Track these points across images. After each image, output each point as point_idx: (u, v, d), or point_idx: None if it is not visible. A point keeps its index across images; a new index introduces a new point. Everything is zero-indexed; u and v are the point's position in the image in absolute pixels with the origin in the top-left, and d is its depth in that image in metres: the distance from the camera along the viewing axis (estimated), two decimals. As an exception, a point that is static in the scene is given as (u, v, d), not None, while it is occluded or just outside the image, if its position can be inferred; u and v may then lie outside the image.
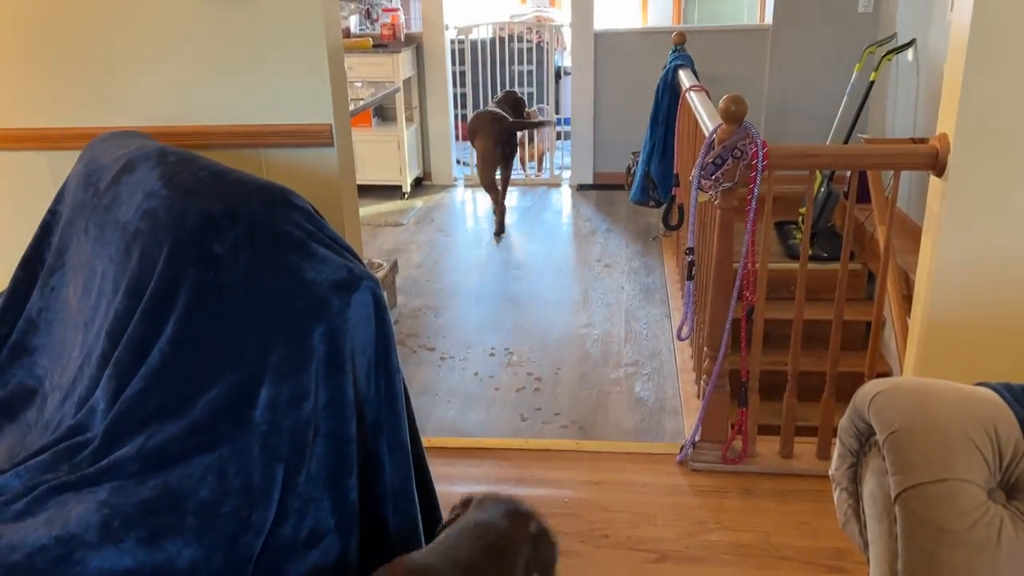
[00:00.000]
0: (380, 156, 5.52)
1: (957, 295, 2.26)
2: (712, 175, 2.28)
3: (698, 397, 2.91)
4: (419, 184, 5.94)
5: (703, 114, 2.71)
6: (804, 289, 2.40)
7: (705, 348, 2.51)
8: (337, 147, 2.35)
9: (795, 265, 4.27)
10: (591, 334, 3.53)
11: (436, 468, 2.63)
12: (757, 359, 2.46)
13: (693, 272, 2.43)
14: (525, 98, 5.31)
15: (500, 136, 4.70)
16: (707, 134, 2.40)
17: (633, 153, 4.99)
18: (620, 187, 5.66)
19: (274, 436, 1.40)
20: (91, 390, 1.52)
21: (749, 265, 2.33)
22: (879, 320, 2.41)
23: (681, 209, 3.58)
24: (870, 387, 1.24)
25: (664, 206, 4.30)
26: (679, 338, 2.53)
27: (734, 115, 2.24)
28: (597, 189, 5.72)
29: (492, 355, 3.36)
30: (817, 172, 4.96)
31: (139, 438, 1.40)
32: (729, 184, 2.28)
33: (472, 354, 3.38)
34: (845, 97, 4.94)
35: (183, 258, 1.48)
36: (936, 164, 2.18)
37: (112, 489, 1.34)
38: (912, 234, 4.13)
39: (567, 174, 5.99)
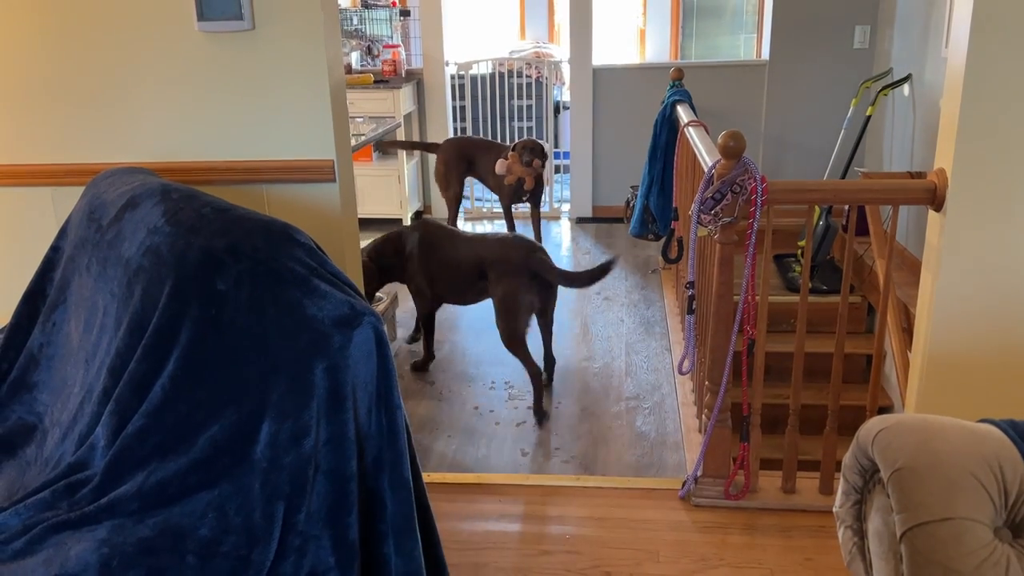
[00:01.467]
0: (381, 189, 5.55)
1: (958, 329, 2.26)
2: (711, 210, 2.29)
3: (700, 431, 2.90)
4: (419, 217, 5.95)
5: (702, 149, 2.73)
6: (805, 323, 2.40)
7: (706, 382, 2.51)
8: (339, 182, 2.36)
9: (795, 298, 4.29)
10: (591, 367, 3.52)
11: (436, 505, 2.61)
12: (759, 393, 2.46)
13: (693, 306, 2.43)
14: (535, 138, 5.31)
15: (533, 281, 3.27)
16: (706, 169, 2.42)
17: (632, 187, 5.03)
18: (619, 220, 5.68)
19: (275, 473, 1.39)
20: (91, 427, 1.52)
21: (749, 298, 2.34)
22: (880, 354, 2.41)
23: (680, 242, 3.58)
24: (873, 424, 1.24)
25: (663, 239, 4.32)
26: (680, 372, 2.53)
27: (733, 151, 2.25)
28: (596, 222, 5.75)
29: (492, 388, 3.35)
30: (816, 206, 5.00)
31: (139, 475, 1.40)
32: (729, 219, 2.29)
33: (472, 388, 3.37)
34: (842, 131, 4.99)
35: (185, 294, 1.48)
36: (935, 199, 2.19)
37: (112, 527, 1.33)
38: (911, 267, 4.15)
39: (566, 207, 6.02)
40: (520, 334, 3.20)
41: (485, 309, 4.16)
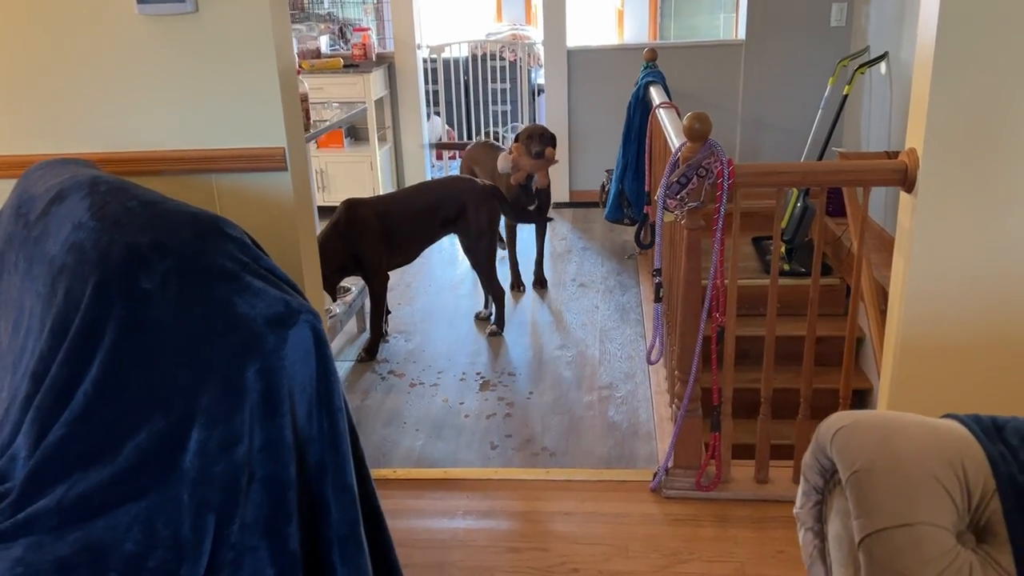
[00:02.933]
0: (353, 176, 5.44)
1: (930, 313, 2.19)
2: (677, 194, 2.21)
3: (672, 420, 2.84)
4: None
5: (670, 132, 2.65)
6: (775, 308, 2.33)
7: (676, 371, 2.44)
8: (291, 171, 2.27)
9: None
10: (565, 356, 3.45)
11: (402, 501, 2.54)
12: (729, 381, 2.39)
13: (662, 294, 2.36)
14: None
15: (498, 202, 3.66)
16: (673, 152, 2.34)
17: (607, 171, 4.94)
18: (595, 205, 5.60)
19: (204, 483, 1.31)
20: (13, 436, 1.43)
21: (718, 284, 2.27)
22: (853, 337, 2.34)
23: (654, 227, 3.51)
24: (833, 421, 1.17)
25: (638, 224, 4.25)
26: (649, 362, 2.46)
27: (698, 133, 2.18)
28: (573, 207, 5.66)
29: (463, 380, 3.28)
30: (794, 188, 4.93)
31: (60, 488, 1.31)
32: (695, 203, 2.22)
33: (443, 379, 3.29)
34: (819, 111, 4.91)
35: (109, 294, 1.39)
36: (905, 180, 2.12)
37: (28, 545, 1.25)
38: (889, 248, 4.09)
39: (543, 192, 5.93)
40: (495, 255, 3.64)
41: (459, 299, 4.06)
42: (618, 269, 4.45)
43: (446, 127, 6.60)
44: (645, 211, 3.49)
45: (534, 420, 2.96)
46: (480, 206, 3.53)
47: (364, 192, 5.45)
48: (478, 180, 3.61)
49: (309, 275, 2.40)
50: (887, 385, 2.31)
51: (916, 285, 2.18)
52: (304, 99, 3.16)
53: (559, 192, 5.72)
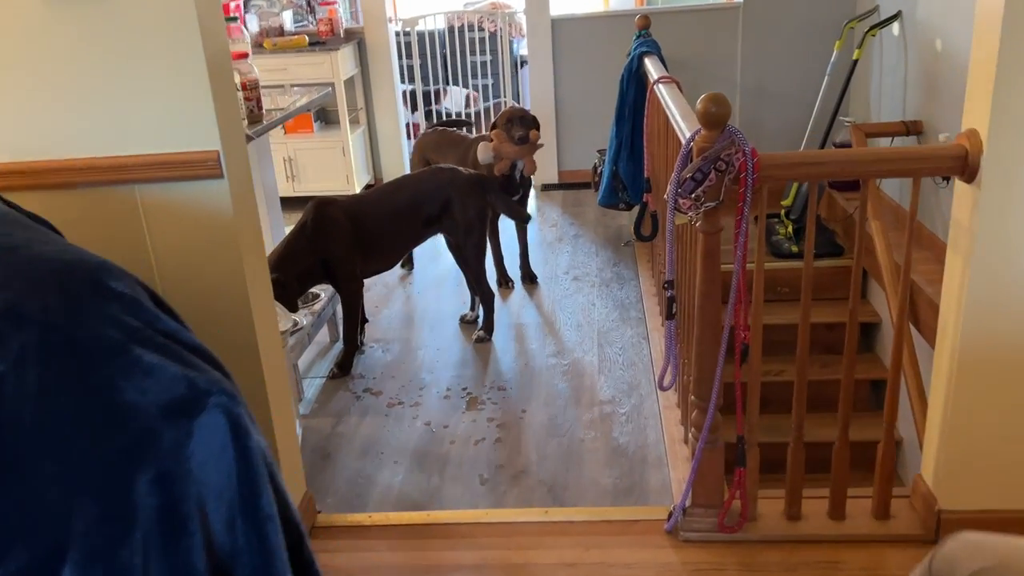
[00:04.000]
0: (324, 163, 5.05)
1: (996, 324, 1.85)
2: (691, 192, 1.85)
3: (685, 443, 2.50)
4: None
5: (677, 116, 2.28)
6: (807, 335, 1.98)
7: (692, 397, 2.09)
8: (229, 178, 1.90)
9: (781, 264, 3.87)
10: (560, 364, 3.10)
11: (378, 554, 2.20)
12: (755, 408, 2.05)
13: (675, 310, 2.00)
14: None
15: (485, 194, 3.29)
16: (683, 142, 1.97)
17: (599, 151, 4.56)
18: (587, 186, 5.22)
19: (80, 644, 0.95)
20: None
21: (741, 297, 1.91)
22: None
23: (655, 217, 3.15)
24: (956, 549, 0.82)
25: (636, 212, 3.88)
26: (661, 388, 2.12)
27: (715, 118, 1.81)
28: (563, 189, 5.29)
29: (447, 398, 2.92)
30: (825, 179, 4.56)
31: None
32: (712, 203, 1.85)
33: (425, 397, 2.94)
34: (826, 78, 4.53)
35: (-51, 380, 1.02)
36: (966, 167, 1.77)
37: None
38: (904, 226, 3.73)
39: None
40: (484, 253, 3.31)
41: (441, 299, 3.67)
42: (614, 259, 4.09)
43: (470, 92, 6.18)
44: (645, 199, 3.13)
45: (528, 445, 2.61)
46: (467, 199, 3.16)
47: (337, 181, 5.06)
48: (462, 170, 3.23)
49: (258, 303, 2.03)
50: (941, 409, 1.97)
51: (979, 292, 1.83)
52: (254, 87, 2.77)
53: (546, 174, 5.34)
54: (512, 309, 3.58)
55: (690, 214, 1.89)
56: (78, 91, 1.83)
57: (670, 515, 2.16)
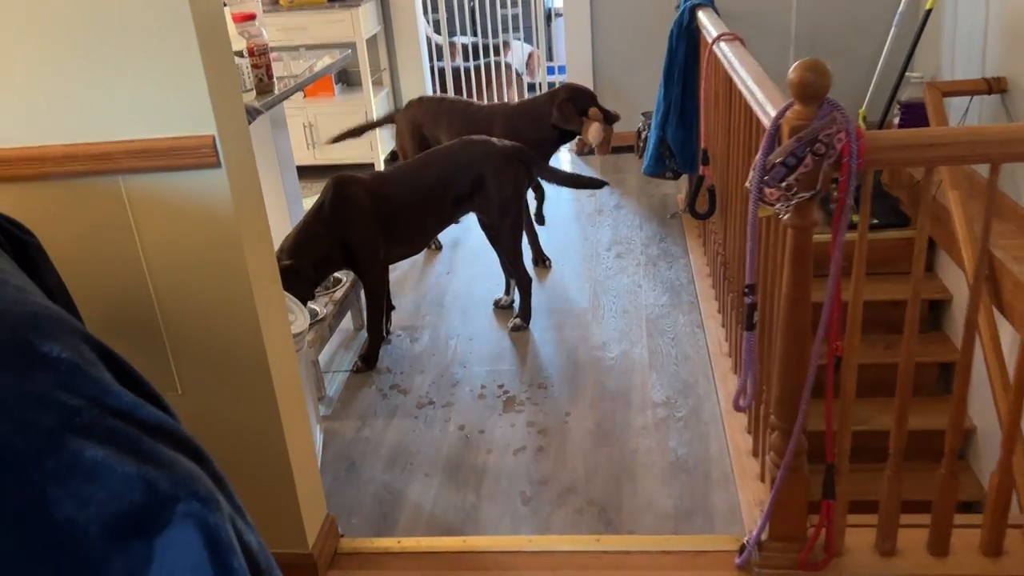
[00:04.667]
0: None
1: None
2: (781, 180, 1.53)
3: (753, 455, 2.21)
4: (395, 159, 5.15)
5: (751, 85, 1.93)
6: (915, 324, 1.66)
7: (772, 417, 1.79)
8: (227, 166, 1.61)
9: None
10: (606, 358, 2.80)
11: (408, 589, 1.95)
12: (847, 430, 1.74)
13: (755, 319, 1.69)
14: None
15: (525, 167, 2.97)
16: (767, 120, 1.65)
17: (644, 114, 4.20)
18: (629, 149, 4.87)
19: None
20: None
21: (836, 306, 1.60)
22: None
23: (712, 193, 2.82)
24: None
25: (684, 182, 3.55)
26: (737, 408, 1.82)
27: (813, 90, 1.48)
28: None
29: (482, 397, 2.64)
30: (860, 112, 4.18)
31: None
32: (807, 194, 1.53)
33: (457, 397, 2.66)
34: (892, 29, 4.11)
35: None
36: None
37: None
38: (982, 192, 3.36)
39: (565, 136, 5.20)
40: (521, 233, 3.00)
41: (474, 279, 3.36)
42: (660, 233, 3.76)
43: (530, 48, 5.83)
44: (701, 173, 2.80)
45: (574, 456, 2.33)
46: (502, 174, 2.84)
47: (360, 147, 4.74)
48: (497, 141, 2.91)
49: (266, 307, 1.75)
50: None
51: None
52: (263, 52, 2.46)
53: (584, 136, 4.99)
54: (550, 292, 3.28)
55: (778, 206, 1.57)
56: (50, 71, 1.54)
57: (742, 548, 1.88)
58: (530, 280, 3.01)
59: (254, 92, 2.46)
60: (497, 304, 3.20)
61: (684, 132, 3.50)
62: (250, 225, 1.70)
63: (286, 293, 2.34)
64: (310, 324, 2.69)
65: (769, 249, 1.88)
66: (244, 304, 1.72)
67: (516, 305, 3.10)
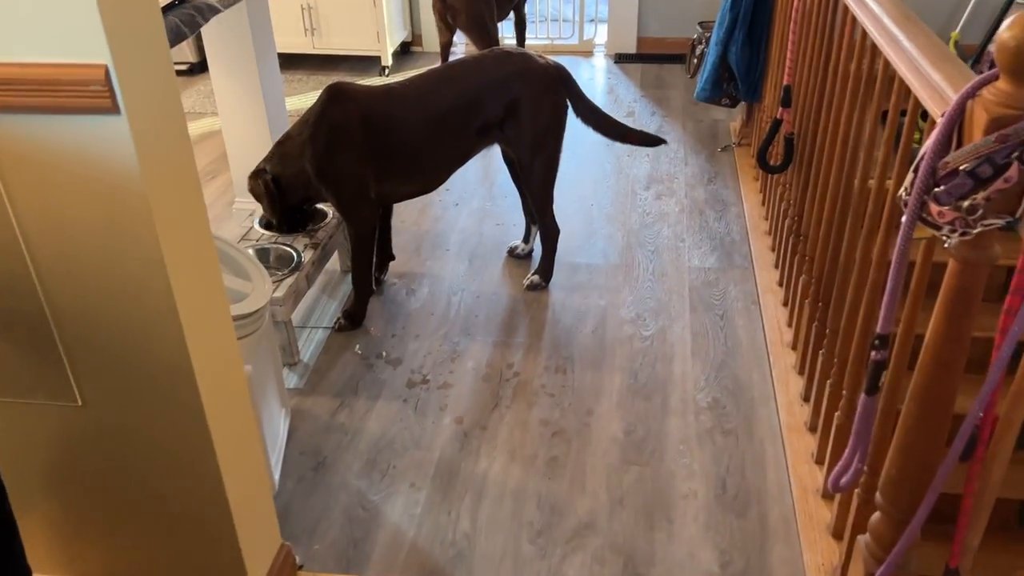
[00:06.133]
0: (350, 15, 4.09)
1: None
2: (963, 197, 1.00)
3: (823, 497, 1.75)
4: (406, 52, 4.53)
5: (906, 42, 1.36)
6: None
7: (879, 499, 1.32)
8: (128, 112, 1.08)
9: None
10: (639, 336, 2.32)
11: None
12: (981, 527, 1.27)
13: (883, 379, 1.19)
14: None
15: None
16: (931, 96, 1.10)
17: (701, 25, 3.57)
18: (675, 59, 4.24)
19: None
20: None
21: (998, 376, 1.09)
22: None
23: (790, 143, 2.26)
24: None
25: (748, 115, 2.98)
26: (833, 488, 1.34)
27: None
28: (642, 62, 4.30)
29: (487, 379, 2.17)
30: (953, 36, 3.54)
31: None
32: (999, 221, 1.01)
33: (457, 376, 2.19)
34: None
35: None
36: None
37: None
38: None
39: (601, 38, 4.55)
40: (556, 172, 2.43)
41: (484, 216, 2.81)
42: (709, 170, 3.20)
43: None
44: (779, 116, 2.24)
45: (596, 475, 1.87)
46: (541, 99, 2.29)
47: (366, 37, 4.12)
48: (536, 56, 2.34)
49: (192, 306, 1.25)
50: None
51: None
52: (226, -75, 1.86)
53: (621, 41, 4.34)
54: (572, 242, 2.76)
55: (945, 230, 1.04)
56: None
57: (811, 646, 1.44)
58: (558, 232, 2.49)
59: (214, -21, 1.88)
60: (512, 252, 2.69)
61: (751, 53, 2.91)
62: (166, 192, 1.18)
63: (246, 255, 1.84)
64: (285, 273, 2.20)
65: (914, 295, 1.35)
66: (158, 296, 1.23)
67: (535, 258, 2.59)
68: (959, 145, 1.04)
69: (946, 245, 1.08)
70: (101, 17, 1.02)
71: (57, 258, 1.21)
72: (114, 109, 1.07)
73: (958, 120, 1.03)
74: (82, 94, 1.06)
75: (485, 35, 3.54)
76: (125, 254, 1.19)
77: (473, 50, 3.65)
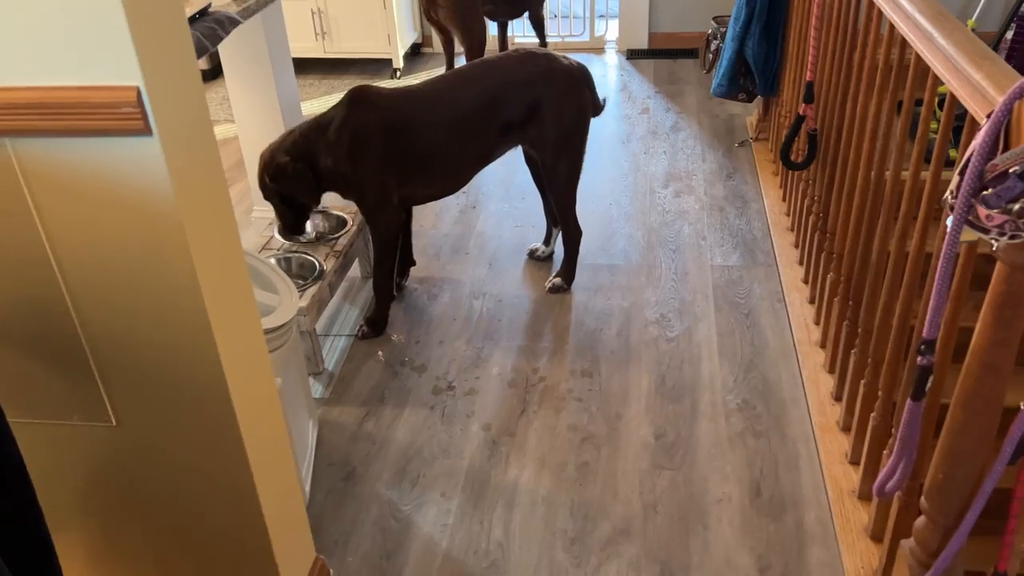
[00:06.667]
0: (361, 18, 4.08)
1: None
2: (1013, 200, 0.98)
3: (859, 498, 1.73)
4: (417, 54, 4.51)
5: (946, 45, 1.34)
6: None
7: (925, 504, 1.30)
8: (161, 133, 1.07)
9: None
10: (664, 338, 2.30)
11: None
12: (1029, 531, 1.25)
13: (929, 385, 1.17)
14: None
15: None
16: (983, 105, 1.08)
17: (715, 20, 3.54)
18: (687, 54, 4.22)
19: None
20: None
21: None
22: None
23: (813, 138, 2.24)
24: None
25: (764, 110, 2.95)
26: (879, 495, 1.32)
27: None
28: (655, 57, 4.28)
29: (513, 385, 2.16)
30: (970, 23, 3.51)
31: None
32: (1051, 226, 0.99)
33: (483, 382, 2.18)
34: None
35: None
36: None
37: None
38: None
39: (612, 34, 4.52)
40: (579, 175, 2.42)
41: (503, 219, 2.80)
42: (727, 166, 3.18)
43: None
44: (801, 112, 2.21)
45: (628, 481, 1.86)
46: (564, 100, 2.27)
47: (376, 40, 4.11)
48: (561, 57, 2.32)
49: (225, 323, 1.24)
50: None
51: None
52: (242, -65, 1.85)
53: (633, 37, 4.31)
54: (593, 242, 2.74)
55: (994, 233, 1.03)
56: None
57: (854, 651, 1.43)
58: (580, 235, 2.47)
59: (232, -8, 1.88)
60: (532, 254, 2.67)
61: (768, 47, 2.88)
62: (199, 212, 1.17)
63: (273, 268, 1.83)
64: (309, 282, 2.19)
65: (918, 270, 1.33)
66: (192, 314, 1.22)
67: (561, 265, 2.57)
68: (1006, 147, 1.02)
69: (994, 249, 1.06)
70: (132, 39, 1.01)
71: (90, 279, 1.20)
72: (146, 130, 1.06)
73: (1005, 121, 1.01)
74: (114, 116, 1.05)
75: (467, 32, 3.49)
76: (159, 274, 1.18)
77: (492, 51, 3.63)
